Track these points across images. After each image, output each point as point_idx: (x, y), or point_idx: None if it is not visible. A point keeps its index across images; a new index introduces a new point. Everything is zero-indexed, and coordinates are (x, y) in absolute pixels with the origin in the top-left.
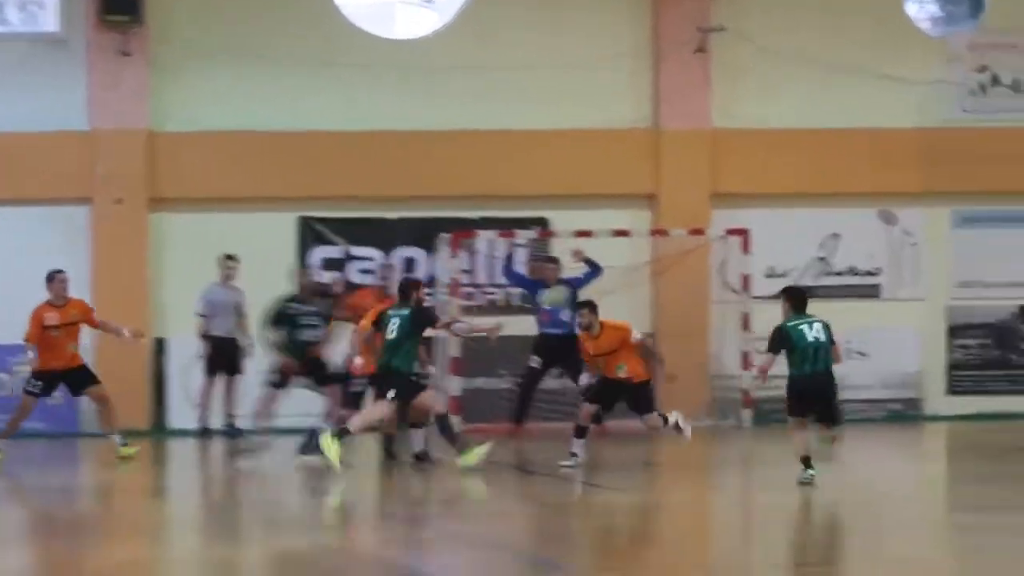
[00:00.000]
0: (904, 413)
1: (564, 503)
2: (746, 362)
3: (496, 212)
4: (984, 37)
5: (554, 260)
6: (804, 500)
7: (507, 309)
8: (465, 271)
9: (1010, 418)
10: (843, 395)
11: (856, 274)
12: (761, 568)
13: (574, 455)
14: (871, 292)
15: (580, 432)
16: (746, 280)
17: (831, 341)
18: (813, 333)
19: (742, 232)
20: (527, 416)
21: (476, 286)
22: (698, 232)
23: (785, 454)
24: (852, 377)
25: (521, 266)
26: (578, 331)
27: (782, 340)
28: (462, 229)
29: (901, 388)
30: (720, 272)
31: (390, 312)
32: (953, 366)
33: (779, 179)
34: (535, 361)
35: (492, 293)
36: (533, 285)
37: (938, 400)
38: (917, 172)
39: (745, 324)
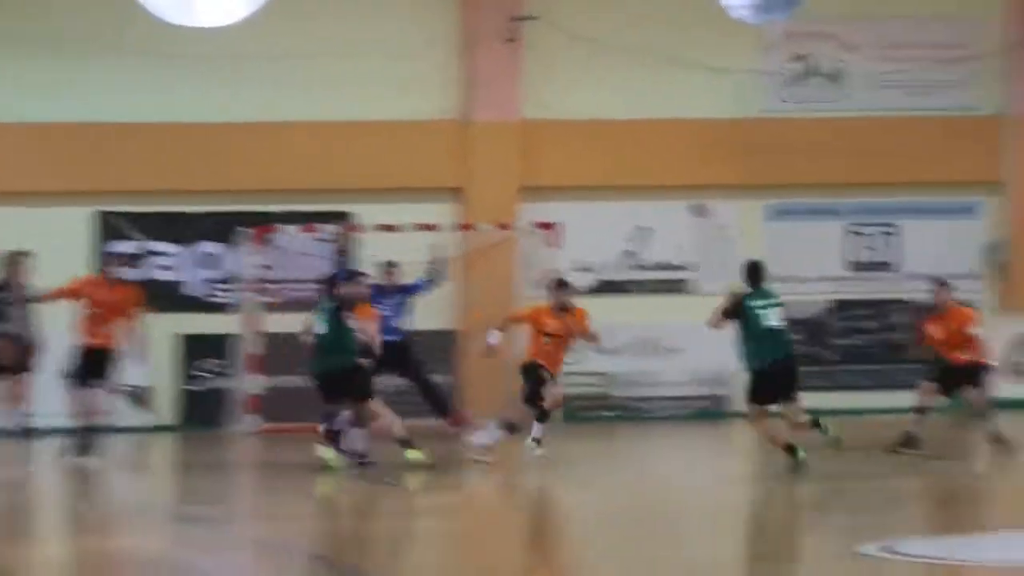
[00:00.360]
0: (712, 411)
1: (360, 504)
2: None
3: (298, 206)
4: (801, 26)
5: (393, 264)
6: (596, 500)
7: (313, 306)
8: (266, 267)
9: (821, 415)
10: (653, 392)
11: (666, 268)
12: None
13: (537, 440)
14: (681, 287)
15: (544, 416)
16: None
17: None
18: (772, 321)
19: (549, 226)
20: None
21: (277, 282)
22: (505, 226)
23: (588, 452)
24: (662, 374)
25: (331, 262)
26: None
27: (736, 312)
28: (263, 223)
29: (712, 385)
30: (527, 267)
31: (317, 312)
32: None
33: (591, 171)
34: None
35: (295, 290)
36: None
37: None
38: (732, 164)
39: None
